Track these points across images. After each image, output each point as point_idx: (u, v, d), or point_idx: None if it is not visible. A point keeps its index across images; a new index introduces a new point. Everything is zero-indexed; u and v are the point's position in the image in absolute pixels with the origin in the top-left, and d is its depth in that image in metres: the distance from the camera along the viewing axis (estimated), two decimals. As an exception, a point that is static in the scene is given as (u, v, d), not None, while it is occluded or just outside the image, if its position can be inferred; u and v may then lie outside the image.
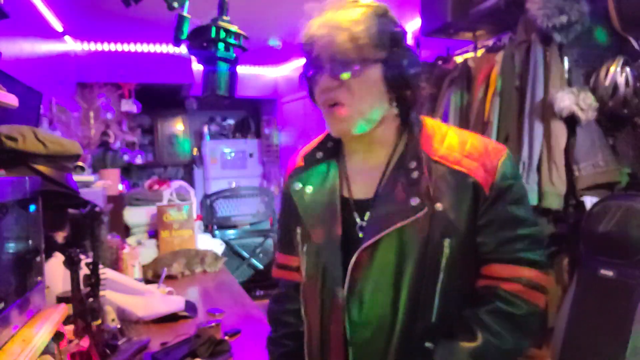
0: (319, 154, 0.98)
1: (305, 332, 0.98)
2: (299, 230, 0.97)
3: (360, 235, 0.88)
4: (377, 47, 0.83)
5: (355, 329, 0.87)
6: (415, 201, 0.83)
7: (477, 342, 0.82)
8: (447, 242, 0.83)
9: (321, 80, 0.86)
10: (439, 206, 0.83)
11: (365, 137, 0.90)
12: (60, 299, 1.38)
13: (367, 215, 0.89)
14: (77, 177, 1.77)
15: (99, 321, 1.42)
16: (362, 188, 0.92)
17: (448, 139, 0.89)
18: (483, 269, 0.88)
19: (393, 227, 0.83)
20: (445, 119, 2.46)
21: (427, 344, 0.84)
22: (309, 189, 0.95)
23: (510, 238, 0.85)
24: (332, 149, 0.98)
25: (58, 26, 3.71)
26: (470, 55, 2.63)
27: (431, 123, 0.93)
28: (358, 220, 0.90)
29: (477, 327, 0.83)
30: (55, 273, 1.47)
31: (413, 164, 0.86)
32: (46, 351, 1.10)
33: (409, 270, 0.83)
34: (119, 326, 1.64)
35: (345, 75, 0.83)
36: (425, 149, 0.87)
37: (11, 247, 1.01)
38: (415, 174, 0.85)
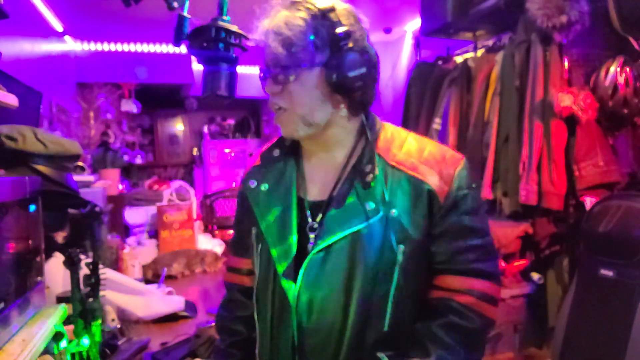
0: (276, 152, 0.96)
1: (258, 336, 0.95)
2: (253, 231, 0.94)
3: (311, 236, 0.87)
4: (315, 50, 0.82)
5: (304, 335, 0.85)
6: (369, 206, 0.82)
7: (431, 357, 0.82)
8: (400, 249, 0.82)
9: (266, 85, 0.87)
10: (393, 212, 0.82)
11: (319, 139, 0.89)
12: (60, 299, 1.38)
13: (319, 217, 0.88)
14: (77, 177, 1.77)
15: (99, 321, 1.42)
16: (317, 189, 0.91)
17: (407, 145, 0.89)
18: (436, 280, 0.87)
19: (346, 231, 0.82)
20: (445, 119, 2.46)
21: (379, 354, 0.83)
22: (264, 187, 0.93)
23: (463, 248, 0.85)
24: (290, 148, 0.96)
25: (58, 26, 3.71)
26: (470, 55, 2.63)
27: (391, 128, 0.93)
28: (310, 220, 0.89)
29: (430, 342, 0.83)
30: (55, 273, 1.47)
31: (368, 167, 0.85)
32: (46, 351, 1.10)
33: (360, 276, 0.82)
34: (119, 326, 1.64)
35: (284, 80, 0.84)
36: (382, 154, 0.87)
37: (11, 247, 1.01)
38: (369, 177, 0.84)
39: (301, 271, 0.84)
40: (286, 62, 0.82)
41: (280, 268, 0.87)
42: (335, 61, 0.82)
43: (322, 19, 0.82)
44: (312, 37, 0.81)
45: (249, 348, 1.01)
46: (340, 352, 0.83)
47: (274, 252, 0.88)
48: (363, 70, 0.83)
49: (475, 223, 0.87)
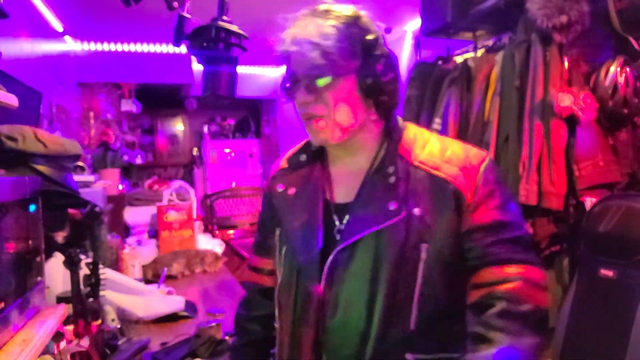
0: (303, 157, 0.98)
1: (277, 336, 0.97)
2: (277, 232, 0.97)
3: (338, 238, 0.88)
4: (349, 58, 0.84)
5: (329, 334, 0.86)
6: (392, 205, 0.84)
7: (497, 345, 0.79)
8: (424, 247, 0.83)
9: (297, 95, 0.87)
10: (416, 211, 0.83)
11: (346, 144, 0.90)
12: (60, 299, 1.38)
13: (345, 219, 0.89)
14: (77, 177, 1.77)
15: (99, 321, 1.42)
16: (343, 192, 0.93)
17: (429, 145, 0.90)
18: (474, 278, 0.86)
19: (369, 230, 0.83)
20: (445, 119, 2.46)
21: (408, 356, 0.83)
22: (292, 191, 0.95)
23: (496, 242, 0.84)
24: (316, 152, 0.98)
25: (58, 26, 3.71)
26: (470, 55, 2.63)
27: (414, 129, 0.94)
28: (337, 223, 0.90)
29: (492, 332, 0.80)
30: (55, 273, 1.47)
31: (391, 169, 0.86)
32: (46, 351, 1.10)
33: (384, 275, 0.83)
34: (119, 326, 1.64)
35: (320, 89, 0.84)
36: (404, 154, 0.88)
37: (11, 247, 1.01)
38: (392, 179, 0.85)
39: (325, 270, 0.86)
40: (324, 71, 0.82)
41: (306, 270, 0.88)
42: (368, 67, 0.84)
43: (353, 26, 0.84)
44: (348, 45, 0.83)
45: (265, 348, 1.04)
46: (366, 351, 0.83)
47: (299, 255, 0.90)
48: (392, 74, 0.86)
49: (506, 217, 0.86)
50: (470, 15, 2.38)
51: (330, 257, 0.85)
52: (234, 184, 5.96)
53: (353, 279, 0.85)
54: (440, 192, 0.84)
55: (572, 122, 1.95)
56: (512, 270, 0.83)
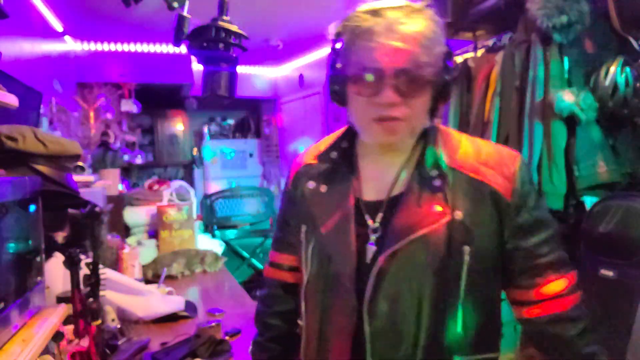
0: (334, 154, 0.96)
1: (304, 332, 0.96)
2: (303, 229, 0.96)
3: (372, 238, 0.87)
4: (440, 65, 0.83)
5: (375, 338, 0.84)
6: (437, 208, 0.83)
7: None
8: (466, 250, 0.82)
9: (383, 93, 0.80)
10: (458, 214, 0.83)
11: (396, 144, 0.89)
12: (60, 299, 1.38)
13: (378, 217, 0.88)
14: (77, 177, 1.77)
15: (99, 321, 1.42)
16: (373, 189, 0.91)
17: (463, 147, 0.90)
18: (526, 294, 0.88)
19: (416, 234, 0.82)
20: (445, 119, 2.46)
21: (457, 358, 0.84)
22: (323, 188, 0.93)
23: (540, 242, 0.86)
24: (346, 149, 0.96)
25: (58, 26, 3.71)
26: (470, 55, 2.62)
27: (444, 129, 0.94)
28: (370, 222, 0.89)
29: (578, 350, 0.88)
30: (55, 273, 1.47)
31: (434, 172, 0.85)
32: (46, 351, 1.10)
33: (429, 279, 0.82)
34: (119, 326, 1.64)
35: (410, 92, 0.80)
36: (443, 156, 0.88)
37: (11, 247, 1.01)
38: (437, 182, 0.84)
39: (371, 277, 0.84)
40: (423, 75, 0.80)
41: (339, 270, 0.87)
42: (444, 76, 0.84)
43: (443, 35, 0.84)
44: (440, 51, 0.82)
45: (288, 343, 1.04)
46: (416, 354, 0.83)
47: (332, 254, 0.89)
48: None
49: (544, 215, 0.89)
50: (470, 15, 2.38)
51: (378, 263, 0.83)
52: (234, 184, 5.96)
53: (397, 283, 0.83)
54: (480, 195, 0.84)
55: (572, 122, 1.95)
56: (559, 283, 0.87)
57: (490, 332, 0.90)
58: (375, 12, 0.81)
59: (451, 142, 0.91)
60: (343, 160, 0.95)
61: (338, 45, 0.86)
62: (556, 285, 0.87)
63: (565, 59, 2.02)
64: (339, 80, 0.86)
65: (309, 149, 1.05)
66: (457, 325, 0.83)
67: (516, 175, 0.86)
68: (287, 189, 1.04)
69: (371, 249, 0.87)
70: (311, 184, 0.95)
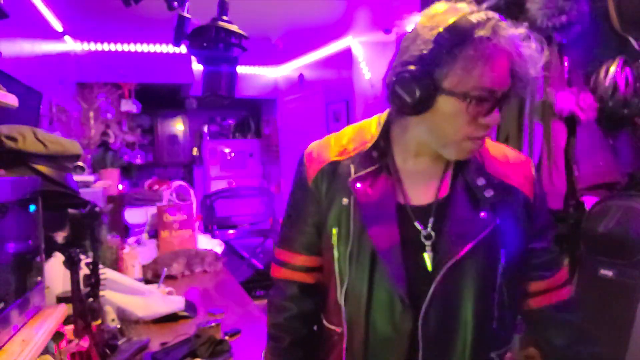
0: (375, 154, 0.91)
1: (346, 337, 0.92)
2: (335, 231, 0.91)
3: (428, 244, 0.87)
4: None
5: (430, 344, 0.85)
6: (484, 215, 0.85)
7: None
8: (503, 253, 0.86)
9: (493, 115, 0.80)
10: (498, 220, 0.86)
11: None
12: (60, 299, 1.38)
13: (430, 223, 0.88)
14: (77, 177, 1.77)
15: (99, 321, 1.42)
16: (418, 193, 0.90)
17: (491, 151, 0.92)
18: (536, 285, 0.94)
19: (471, 243, 0.83)
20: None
21: (493, 354, 0.88)
22: (369, 190, 0.89)
23: (552, 239, 0.95)
24: (384, 149, 0.92)
25: (58, 26, 3.71)
26: (470, 55, 2.62)
27: None
28: (420, 228, 0.88)
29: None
30: (55, 273, 1.47)
31: (482, 180, 0.87)
32: (46, 351, 1.10)
33: (474, 281, 0.85)
34: (119, 326, 1.64)
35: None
36: (479, 161, 0.89)
37: (11, 247, 1.01)
38: (489, 192, 0.86)
39: (433, 286, 0.84)
40: (510, 95, 0.82)
41: (390, 277, 0.86)
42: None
43: None
44: None
45: (308, 347, 1.01)
46: (464, 355, 0.85)
47: (376, 256, 0.87)
48: None
49: (550, 214, 0.97)
50: (470, 15, 2.38)
51: (443, 270, 0.83)
52: (234, 184, 5.96)
53: (452, 289, 0.85)
54: (513, 199, 0.88)
55: (572, 122, 1.95)
56: (561, 275, 0.96)
57: (514, 325, 0.95)
58: (496, 29, 0.79)
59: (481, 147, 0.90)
60: (382, 160, 0.91)
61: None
62: (559, 276, 0.95)
63: (565, 59, 2.02)
64: (430, 88, 0.78)
65: (326, 144, 0.98)
66: (494, 323, 0.87)
67: (534, 178, 0.92)
68: (305, 186, 0.96)
69: (429, 257, 0.86)
70: (356, 184, 0.89)
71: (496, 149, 0.94)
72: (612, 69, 1.94)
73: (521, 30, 0.81)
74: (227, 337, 1.66)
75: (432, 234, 0.87)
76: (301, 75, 5.41)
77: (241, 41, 1.53)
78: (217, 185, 5.98)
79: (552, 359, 0.96)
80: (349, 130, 0.98)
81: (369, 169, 0.90)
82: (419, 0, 2.67)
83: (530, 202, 0.89)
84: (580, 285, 1.81)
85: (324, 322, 0.99)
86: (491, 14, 0.82)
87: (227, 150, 6.46)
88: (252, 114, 6.86)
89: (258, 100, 6.45)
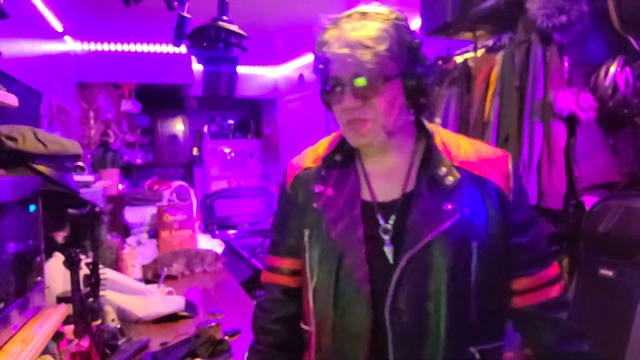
0: (338, 157, 0.96)
1: (315, 336, 0.95)
2: (306, 233, 0.95)
3: (386, 238, 0.88)
4: (398, 61, 0.84)
5: (400, 339, 0.85)
6: (448, 207, 0.85)
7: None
8: (474, 245, 0.86)
9: (344, 99, 0.85)
10: (466, 210, 0.86)
11: (384, 144, 0.90)
12: (60, 299, 1.38)
13: (392, 219, 0.89)
14: (77, 177, 1.77)
15: (99, 321, 1.42)
16: (384, 190, 0.92)
17: (463, 146, 0.92)
18: (519, 282, 0.92)
19: (432, 234, 0.84)
20: (445, 119, 2.46)
21: (472, 349, 0.86)
22: (330, 191, 0.93)
23: (534, 237, 0.92)
24: (349, 151, 0.96)
25: (58, 26, 3.71)
26: (470, 55, 2.62)
27: (441, 130, 0.95)
28: (382, 222, 0.89)
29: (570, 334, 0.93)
30: (55, 273, 1.47)
31: (443, 171, 0.87)
32: (46, 351, 1.10)
33: (445, 275, 0.84)
34: (119, 326, 1.64)
35: (370, 95, 0.84)
36: (446, 155, 0.89)
37: (11, 247, 1.01)
38: (449, 181, 0.86)
39: (392, 282, 0.85)
40: (374, 76, 0.83)
41: (353, 273, 0.87)
42: (413, 70, 0.86)
43: (400, 29, 0.85)
44: (397, 48, 0.83)
45: (289, 349, 1.02)
46: (438, 348, 0.84)
47: (342, 256, 0.89)
48: (432, 77, 0.89)
49: (532, 211, 0.95)
50: (470, 15, 2.38)
51: (401, 264, 0.85)
52: (234, 184, 5.96)
53: (417, 283, 0.85)
54: (484, 193, 0.88)
55: (572, 122, 1.95)
56: (547, 272, 0.93)
57: (499, 321, 0.93)
58: (334, 24, 0.86)
59: (451, 141, 0.93)
60: (347, 163, 0.96)
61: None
62: (551, 271, 0.94)
63: (565, 59, 2.02)
64: (324, 94, 0.90)
65: (305, 152, 1.04)
66: (470, 318, 0.86)
67: (511, 174, 0.90)
68: (285, 192, 1.03)
69: (389, 250, 0.88)
70: (318, 188, 0.95)
71: (469, 144, 0.93)
72: (612, 69, 1.94)
73: (355, 16, 0.85)
74: (227, 337, 1.66)
75: (389, 227, 0.88)
76: (301, 75, 5.41)
77: (241, 41, 1.53)
78: (217, 185, 5.98)
79: (541, 358, 0.95)
80: (326, 139, 1.02)
81: (332, 172, 0.95)
82: (419, 0, 2.68)
83: (504, 195, 0.88)
84: (580, 285, 1.81)
85: (301, 323, 1.01)
86: (357, 9, 0.86)
87: (227, 150, 6.46)
88: (252, 114, 6.86)
89: (258, 100, 6.45)
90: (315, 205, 0.94)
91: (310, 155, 1.01)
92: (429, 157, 0.90)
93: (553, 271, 0.94)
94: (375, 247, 0.88)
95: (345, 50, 0.82)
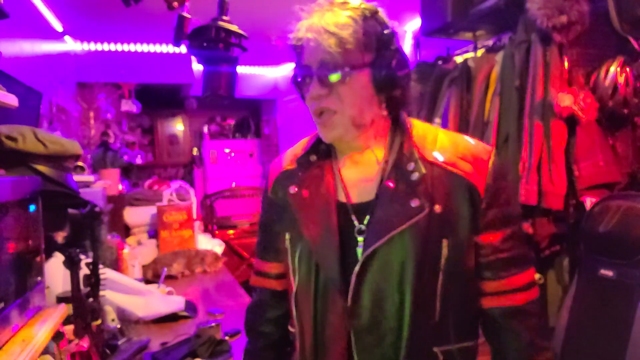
0: (313, 157, 0.95)
1: (298, 338, 0.95)
2: (287, 236, 0.94)
3: (360, 239, 0.87)
4: (365, 50, 0.83)
5: (360, 335, 0.85)
6: (415, 203, 0.83)
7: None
8: (445, 243, 0.83)
9: (310, 87, 0.85)
10: (437, 207, 0.83)
11: (357, 140, 0.89)
12: (60, 299, 1.38)
13: (366, 219, 0.87)
14: (77, 177, 1.77)
15: (99, 321, 1.42)
16: (358, 191, 0.91)
17: (440, 140, 0.89)
18: (487, 284, 0.90)
19: (395, 230, 0.82)
20: (445, 119, 2.46)
21: (435, 349, 0.85)
22: (305, 193, 0.92)
23: (506, 237, 0.88)
24: (325, 152, 0.95)
25: (58, 26, 3.71)
26: (470, 55, 2.63)
27: (420, 124, 0.93)
28: (356, 223, 0.88)
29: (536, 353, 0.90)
30: (55, 273, 1.47)
31: (411, 166, 0.85)
32: (46, 351, 1.10)
33: (411, 272, 0.82)
34: (119, 326, 1.64)
35: (334, 82, 0.83)
36: (419, 150, 0.87)
37: (11, 247, 1.01)
38: (415, 176, 0.84)
39: (354, 274, 0.84)
40: (339, 62, 0.81)
41: (326, 274, 0.87)
42: (383, 61, 0.84)
43: (370, 19, 0.84)
44: (364, 37, 0.82)
45: (281, 350, 1.03)
46: (400, 347, 0.84)
47: (318, 259, 0.88)
48: (406, 70, 0.86)
49: (512, 211, 0.90)
50: (470, 15, 2.38)
51: (360, 262, 0.84)
52: (234, 184, 5.96)
53: (380, 280, 0.84)
54: (458, 188, 0.85)
55: (572, 122, 1.95)
56: (518, 278, 0.89)
57: (468, 322, 0.91)
58: (307, 13, 0.85)
59: (427, 135, 0.90)
60: (323, 162, 0.94)
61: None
62: (516, 279, 0.89)
63: (565, 59, 2.02)
64: (296, 86, 0.91)
65: (286, 153, 1.02)
66: (435, 317, 0.84)
67: (489, 170, 0.87)
68: (267, 195, 1.02)
69: (361, 250, 0.86)
70: (293, 189, 0.93)
71: (447, 139, 0.90)
72: (612, 69, 1.94)
73: (325, 6, 0.85)
74: (227, 337, 1.66)
75: (364, 228, 0.87)
76: (301, 75, 5.40)
77: (241, 41, 1.53)
78: (217, 185, 5.98)
79: None
80: (305, 139, 1.01)
81: (307, 172, 0.93)
82: (419, 0, 2.68)
83: (477, 191, 0.85)
84: (580, 285, 1.81)
85: (288, 325, 1.01)
86: (324, 1, 0.86)
87: (227, 150, 6.45)
88: (252, 114, 6.86)
89: (258, 100, 6.45)
90: (291, 207, 0.93)
91: (290, 156, 1.00)
92: (401, 153, 0.88)
93: (524, 278, 0.90)
94: (351, 249, 0.87)
95: (310, 35, 0.82)
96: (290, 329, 1.00)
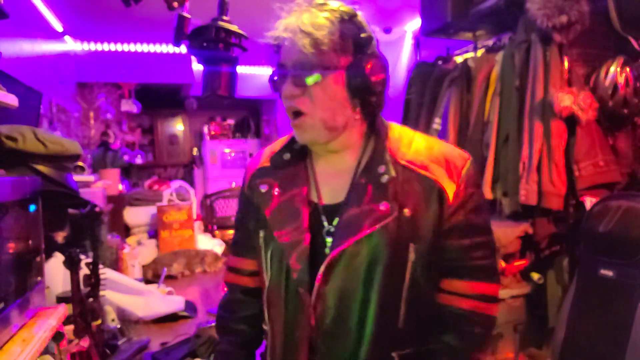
0: (287, 156, 0.94)
1: (269, 337, 0.95)
2: (261, 234, 0.93)
3: (329, 240, 0.87)
4: (340, 53, 0.82)
5: (323, 336, 0.85)
6: (384, 206, 0.82)
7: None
8: (412, 247, 0.83)
9: (284, 87, 0.84)
10: (406, 211, 0.83)
11: (331, 143, 0.88)
12: (60, 299, 1.38)
13: (335, 220, 0.87)
14: (77, 177, 1.77)
15: (99, 321, 1.42)
16: (330, 192, 0.90)
17: (415, 144, 0.89)
18: (443, 282, 0.89)
19: (362, 233, 0.82)
20: (445, 119, 2.46)
21: (394, 354, 0.84)
22: (277, 191, 0.91)
23: (470, 246, 0.87)
24: (300, 151, 0.94)
25: (58, 26, 3.71)
26: (470, 55, 2.63)
27: (398, 128, 0.93)
28: (326, 224, 0.88)
29: (446, 354, 0.88)
30: (55, 273, 1.47)
31: (381, 168, 0.84)
32: (46, 351, 1.10)
33: (377, 276, 0.82)
34: (119, 326, 1.64)
35: (307, 83, 0.82)
36: (392, 153, 0.87)
37: (11, 247, 1.01)
38: (384, 179, 0.84)
39: (320, 275, 0.84)
40: (313, 63, 0.81)
41: (296, 273, 0.86)
42: (358, 65, 0.83)
43: (347, 22, 0.83)
44: (340, 39, 0.81)
45: (253, 348, 1.03)
46: (360, 350, 0.83)
47: (288, 258, 0.87)
48: (382, 75, 0.84)
49: (481, 221, 0.89)
50: (470, 15, 2.38)
51: (324, 263, 0.83)
52: (234, 184, 5.95)
53: (345, 282, 0.83)
54: (428, 192, 0.84)
55: (572, 122, 1.95)
56: (476, 286, 0.89)
57: (429, 326, 0.90)
58: (288, 13, 0.85)
59: (403, 139, 0.90)
60: (297, 162, 0.93)
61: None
62: (480, 286, 0.89)
63: (565, 59, 2.02)
64: (274, 86, 0.89)
65: (264, 150, 1.02)
66: (399, 321, 0.84)
67: (462, 177, 0.86)
68: (244, 192, 1.01)
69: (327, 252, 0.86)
70: (264, 187, 0.93)
71: (423, 143, 0.90)
72: (612, 69, 1.94)
73: (303, 7, 0.84)
74: (227, 337, 1.66)
75: (332, 229, 0.87)
76: (301, 75, 5.40)
77: (241, 41, 1.53)
78: (217, 185, 5.98)
79: None
80: (283, 138, 1.00)
81: (279, 171, 0.93)
82: (419, 0, 2.68)
83: (446, 198, 0.84)
84: (580, 285, 1.81)
85: (262, 324, 1.01)
86: (304, 2, 0.85)
87: (227, 150, 6.46)
88: (252, 114, 6.87)
89: (258, 100, 6.45)
90: (262, 205, 0.92)
91: (267, 154, 0.99)
92: (374, 155, 0.87)
93: (488, 289, 0.89)
94: (320, 249, 0.86)
95: (286, 35, 0.82)
96: (264, 326, 0.99)
